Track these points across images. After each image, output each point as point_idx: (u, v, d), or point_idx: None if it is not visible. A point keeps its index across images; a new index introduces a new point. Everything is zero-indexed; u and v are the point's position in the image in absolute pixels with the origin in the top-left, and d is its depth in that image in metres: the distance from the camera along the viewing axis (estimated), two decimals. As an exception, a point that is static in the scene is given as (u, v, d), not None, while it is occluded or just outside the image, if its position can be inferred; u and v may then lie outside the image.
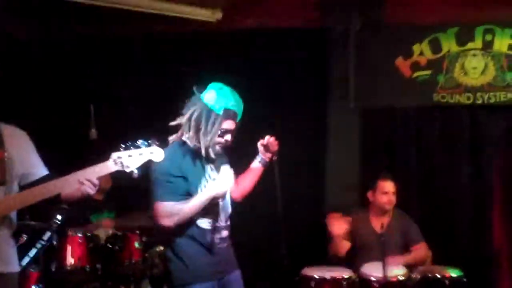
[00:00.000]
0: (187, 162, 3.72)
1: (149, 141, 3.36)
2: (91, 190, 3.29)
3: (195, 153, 3.74)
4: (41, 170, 3.52)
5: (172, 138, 3.82)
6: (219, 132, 3.71)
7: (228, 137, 3.76)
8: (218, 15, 6.11)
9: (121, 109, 6.27)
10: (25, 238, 5.06)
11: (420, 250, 5.40)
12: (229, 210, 3.91)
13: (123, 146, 3.33)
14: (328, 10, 6.28)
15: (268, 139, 4.00)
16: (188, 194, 3.68)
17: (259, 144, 4.05)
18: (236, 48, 6.32)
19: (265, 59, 6.22)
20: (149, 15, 5.88)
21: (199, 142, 3.71)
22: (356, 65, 6.29)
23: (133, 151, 3.31)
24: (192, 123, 3.71)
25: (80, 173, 3.28)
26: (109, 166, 3.29)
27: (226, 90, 3.75)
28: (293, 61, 6.28)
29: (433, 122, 6.28)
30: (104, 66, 6.35)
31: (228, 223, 3.89)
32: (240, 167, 4.11)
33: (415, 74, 6.23)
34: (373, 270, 4.98)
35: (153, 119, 6.13)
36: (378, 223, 5.40)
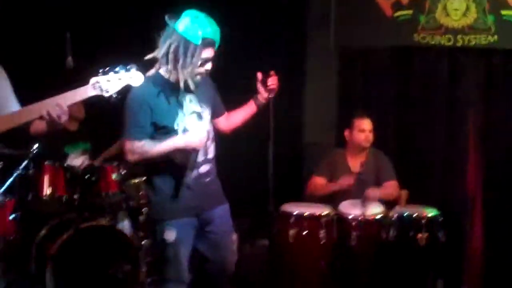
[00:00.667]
0: (160, 96, 3.64)
1: (128, 66, 3.32)
2: (57, 118, 3.21)
3: (172, 86, 3.65)
4: (14, 106, 3.45)
5: (149, 73, 3.69)
6: (199, 63, 3.61)
7: (208, 66, 3.67)
8: None
9: (97, 37, 6.09)
10: (0, 166, 4.97)
11: (390, 188, 5.43)
12: (209, 144, 3.81)
13: (101, 71, 3.28)
14: None
15: (271, 76, 3.92)
16: (163, 128, 3.64)
17: (258, 82, 3.95)
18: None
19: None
20: None
21: (177, 75, 3.61)
22: (336, 3, 6.22)
23: (112, 76, 3.26)
24: (170, 56, 3.59)
25: (59, 97, 3.22)
26: (88, 90, 3.24)
27: (202, 17, 3.61)
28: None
29: (412, 63, 6.24)
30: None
31: (210, 157, 3.82)
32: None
33: (397, 14, 6.15)
34: (351, 208, 5.03)
35: (131, 48, 6.07)
36: (355, 162, 5.44)
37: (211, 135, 3.86)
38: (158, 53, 3.64)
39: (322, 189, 5.42)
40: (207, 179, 3.83)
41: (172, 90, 3.65)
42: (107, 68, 3.28)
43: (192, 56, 3.56)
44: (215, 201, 3.91)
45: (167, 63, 3.62)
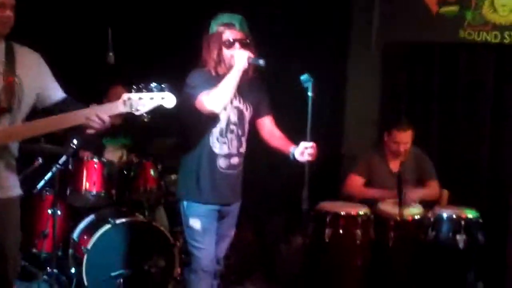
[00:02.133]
0: (209, 83, 3.81)
1: (163, 85, 3.27)
2: (98, 126, 3.23)
3: (216, 80, 3.81)
4: (58, 93, 3.48)
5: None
6: (223, 44, 3.85)
7: (236, 47, 3.85)
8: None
9: (139, 34, 6.14)
10: (40, 162, 5.06)
11: (432, 187, 5.34)
12: (243, 139, 4.00)
13: (134, 87, 3.25)
14: None
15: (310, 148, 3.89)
16: (208, 116, 3.82)
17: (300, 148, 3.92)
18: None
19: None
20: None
21: (215, 68, 3.89)
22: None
23: (144, 94, 3.23)
24: (205, 55, 3.93)
25: (89, 110, 3.25)
26: (119, 106, 3.24)
27: (221, 14, 3.96)
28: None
29: (458, 60, 6.10)
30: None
31: (242, 151, 4.00)
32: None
33: (442, 10, 6.03)
34: (389, 208, 4.95)
35: (171, 45, 6.12)
36: (395, 162, 5.34)
37: (247, 132, 4.04)
38: (202, 59, 3.96)
39: (360, 192, 5.34)
40: (235, 172, 4.00)
41: (212, 85, 3.79)
42: (140, 85, 3.26)
43: (213, 41, 3.89)
44: (235, 197, 4.08)
45: (206, 61, 3.93)
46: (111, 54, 4.92)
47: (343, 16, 6.28)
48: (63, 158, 4.90)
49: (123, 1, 6.12)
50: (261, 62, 3.80)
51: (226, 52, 3.87)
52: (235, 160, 3.97)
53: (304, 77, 3.86)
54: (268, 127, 4.13)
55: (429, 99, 6.16)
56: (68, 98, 3.48)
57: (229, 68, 3.81)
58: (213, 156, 3.90)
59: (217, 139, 3.90)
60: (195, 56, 3.99)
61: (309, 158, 3.88)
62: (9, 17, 3.25)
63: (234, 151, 3.95)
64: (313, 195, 4.83)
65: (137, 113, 3.24)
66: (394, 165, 5.32)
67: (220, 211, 3.97)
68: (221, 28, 3.89)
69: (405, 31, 6.17)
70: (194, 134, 3.93)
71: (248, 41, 3.91)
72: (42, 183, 4.98)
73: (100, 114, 3.21)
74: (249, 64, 3.79)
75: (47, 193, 5.04)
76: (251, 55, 3.81)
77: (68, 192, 5.02)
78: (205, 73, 3.90)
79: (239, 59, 3.78)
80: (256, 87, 4.07)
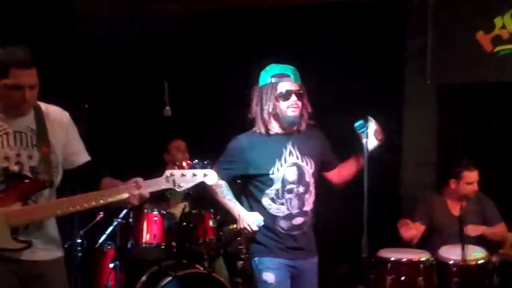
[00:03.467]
0: (256, 150, 3.78)
1: (205, 162, 3.35)
2: (137, 202, 3.27)
3: (269, 139, 3.79)
4: (83, 157, 3.47)
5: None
6: (278, 96, 3.75)
7: (292, 98, 3.75)
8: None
9: (193, 87, 6.26)
10: (102, 216, 5.16)
11: (499, 228, 5.25)
12: (307, 195, 3.84)
13: (177, 164, 3.36)
14: (405, -18, 6.12)
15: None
16: (260, 176, 3.77)
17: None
18: (312, 21, 6.20)
19: (341, 33, 6.09)
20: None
21: (265, 122, 3.79)
22: (434, 38, 6.12)
23: (187, 171, 3.28)
24: (254, 108, 3.83)
25: (131, 187, 3.24)
26: (161, 183, 3.27)
27: (271, 65, 3.86)
28: (370, 34, 6.13)
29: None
30: (180, 42, 6.33)
31: (306, 209, 3.83)
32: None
33: (497, 49, 5.98)
34: (451, 253, 4.87)
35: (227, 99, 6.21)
36: (456, 206, 5.24)
37: (311, 188, 3.87)
38: (252, 112, 3.87)
39: (409, 234, 5.24)
40: (300, 232, 3.83)
41: (269, 142, 3.78)
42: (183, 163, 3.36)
43: (266, 94, 3.78)
44: (308, 253, 3.90)
45: (256, 116, 3.83)
46: (167, 107, 5.04)
47: (397, 58, 6.26)
48: (124, 212, 4.99)
49: (179, 56, 6.24)
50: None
51: (282, 103, 3.75)
52: (298, 221, 3.80)
53: (358, 124, 3.85)
54: (336, 175, 4.05)
55: (488, 138, 6.08)
56: (90, 162, 3.48)
57: (284, 121, 3.75)
58: (271, 218, 3.77)
59: (273, 201, 3.77)
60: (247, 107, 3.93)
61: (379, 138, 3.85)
62: (27, 100, 3.20)
63: (295, 211, 3.79)
64: (373, 241, 4.81)
65: (179, 189, 3.28)
66: (455, 209, 5.23)
67: (292, 266, 3.80)
68: (274, 79, 3.79)
69: (460, 71, 6.12)
70: (251, 196, 3.85)
71: (301, 92, 3.81)
72: (103, 237, 5.06)
73: (142, 192, 3.23)
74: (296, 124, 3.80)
75: (109, 247, 5.11)
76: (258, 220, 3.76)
77: (129, 245, 5.07)
78: (249, 139, 3.83)
79: (245, 220, 3.77)
80: (316, 139, 3.95)
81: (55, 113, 3.41)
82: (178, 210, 5.41)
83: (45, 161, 3.28)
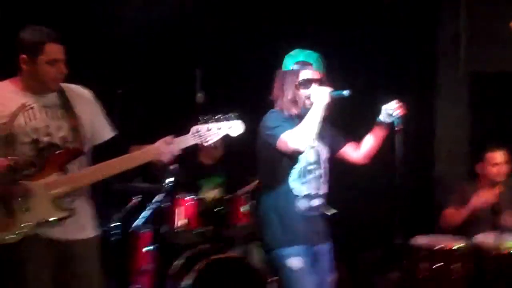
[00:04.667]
0: (285, 121, 3.72)
1: (229, 115, 3.41)
2: (166, 159, 3.37)
3: (291, 121, 3.74)
4: (109, 131, 3.59)
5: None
6: (298, 84, 3.72)
7: (314, 87, 3.71)
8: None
9: (227, 74, 6.28)
10: (138, 200, 5.20)
11: None
12: (323, 179, 3.86)
13: (201, 119, 3.40)
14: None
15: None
16: (287, 156, 3.71)
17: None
18: (346, 11, 6.19)
19: (373, 23, 6.08)
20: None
21: (289, 109, 3.76)
22: (467, 28, 6.09)
23: (212, 125, 3.37)
24: (276, 92, 3.81)
25: (160, 145, 3.36)
26: (189, 139, 3.37)
27: (295, 50, 3.83)
28: (402, 22, 6.11)
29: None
30: (213, 28, 6.35)
31: (321, 192, 3.85)
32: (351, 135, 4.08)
33: (531, 38, 5.95)
34: (486, 241, 4.83)
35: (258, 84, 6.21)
36: (489, 195, 5.21)
37: (326, 172, 3.89)
38: (273, 95, 3.85)
39: (454, 217, 5.20)
40: (317, 213, 3.85)
41: (293, 121, 3.73)
42: (206, 117, 3.41)
43: (287, 80, 3.76)
44: (323, 237, 3.90)
45: (278, 100, 3.81)
46: (200, 94, 5.07)
47: (430, 46, 6.24)
48: (159, 197, 5.02)
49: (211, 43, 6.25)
50: (345, 93, 3.65)
51: (301, 92, 3.75)
52: (315, 202, 3.81)
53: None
54: (354, 152, 4.02)
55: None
56: (117, 136, 3.60)
57: (304, 108, 3.71)
58: (291, 198, 3.74)
59: (297, 180, 3.75)
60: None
61: (400, 113, 3.80)
62: (62, 74, 3.35)
63: (313, 192, 3.80)
64: (408, 227, 4.80)
65: (206, 143, 3.38)
66: (489, 198, 5.17)
67: (311, 251, 3.77)
68: (296, 66, 3.77)
69: (493, 60, 6.11)
70: (274, 176, 3.78)
71: (324, 80, 3.78)
72: (138, 221, 5.10)
73: (172, 148, 3.34)
74: (331, 98, 3.66)
75: (144, 230, 5.15)
76: (332, 89, 3.67)
77: (163, 229, 5.11)
78: (281, 113, 3.77)
79: (321, 95, 3.64)
80: (326, 126, 3.89)
81: (78, 90, 3.53)
82: (210, 196, 5.44)
83: (74, 131, 3.38)
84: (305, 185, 3.77)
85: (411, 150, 5.28)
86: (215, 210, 5.23)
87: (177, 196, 5.17)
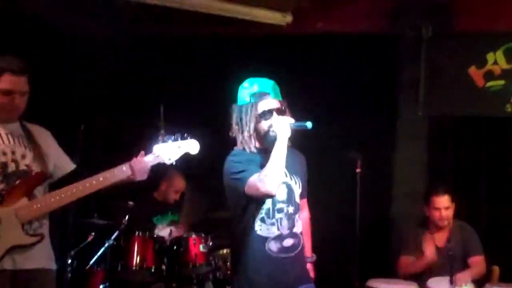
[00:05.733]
0: (249, 161, 3.56)
1: (185, 134, 3.57)
2: (138, 176, 3.49)
3: (254, 157, 3.59)
4: (70, 165, 3.66)
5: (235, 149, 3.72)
6: (259, 116, 3.57)
7: (274, 116, 3.55)
8: (288, 19, 6.09)
9: (185, 110, 6.32)
10: (93, 237, 5.18)
11: (478, 265, 5.21)
12: (296, 217, 3.63)
13: (160, 139, 3.57)
14: (399, 17, 6.21)
15: None
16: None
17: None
18: (306, 52, 6.29)
19: (335, 64, 6.17)
20: (218, 18, 5.90)
21: (247, 142, 3.62)
22: (426, 72, 6.20)
23: (172, 144, 3.54)
24: (235, 128, 3.65)
25: (131, 164, 3.49)
26: (153, 158, 3.53)
27: (249, 80, 3.68)
28: (363, 68, 6.21)
29: (505, 134, 6.11)
30: (172, 66, 6.41)
31: (296, 231, 3.62)
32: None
33: (488, 84, 6.08)
34: (439, 285, 4.87)
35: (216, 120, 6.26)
36: (441, 237, 5.22)
37: (299, 208, 3.70)
38: (232, 131, 3.69)
39: (410, 268, 5.22)
40: (292, 255, 3.60)
41: (257, 158, 3.58)
42: (165, 137, 3.57)
43: (246, 114, 3.60)
44: (302, 279, 3.67)
45: (238, 134, 3.65)
46: (162, 131, 5.07)
47: (389, 91, 6.34)
48: (115, 234, 5.01)
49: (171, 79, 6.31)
50: (308, 124, 3.51)
51: (263, 123, 3.57)
52: (288, 242, 3.58)
53: (351, 154, 3.85)
54: (303, 212, 3.81)
55: (477, 172, 6.15)
56: (78, 169, 3.66)
57: (266, 139, 3.55)
58: (261, 239, 3.53)
59: (264, 221, 3.54)
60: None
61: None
62: (16, 105, 3.36)
63: (285, 231, 3.57)
64: (364, 270, 4.84)
65: (168, 162, 3.53)
66: (440, 240, 5.22)
67: None
68: (253, 98, 3.59)
69: (451, 104, 6.21)
70: (242, 219, 3.58)
71: (283, 108, 3.62)
72: (94, 258, 5.07)
73: (145, 165, 3.49)
74: (293, 130, 3.50)
75: (99, 268, 5.11)
76: (292, 120, 3.53)
77: (119, 267, 5.05)
78: (242, 153, 3.61)
79: (282, 127, 3.48)
80: (299, 159, 3.78)
81: (37, 128, 3.59)
82: (166, 233, 5.42)
83: (39, 159, 3.42)
84: (275, 225, 3.56)
85: (370, 190, 5.37)
86: (173, 248, 5.22)
87: (135, 234, 5.15)
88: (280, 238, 3.57)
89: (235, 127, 3.65)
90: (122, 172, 3.43)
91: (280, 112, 3.59)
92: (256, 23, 6.01)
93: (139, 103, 6.28)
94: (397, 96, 6.38)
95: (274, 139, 3.51)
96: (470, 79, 6.12)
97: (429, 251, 5.05)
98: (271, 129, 3.54)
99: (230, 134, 3.68)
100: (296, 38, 6.31)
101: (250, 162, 3.55)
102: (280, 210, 3.59)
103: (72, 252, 5.02)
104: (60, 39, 5.94)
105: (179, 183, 5.89)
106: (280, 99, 3.65)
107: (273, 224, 3.56)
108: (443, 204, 5.21)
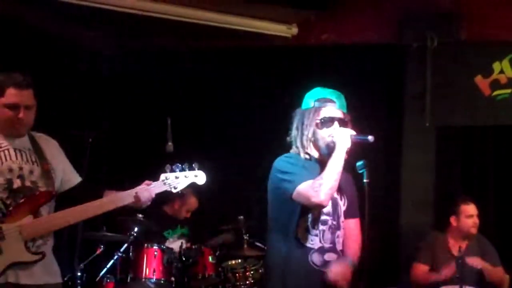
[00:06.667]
0: (300, 166, 3.45)
1: (193, 164, 3.58)
2: (143, 202, 3.47)
3: (308, 164, 3.48)
4: (77, 177, 3.65)
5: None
6: (320, 122, 3.46)
7: (335, 126, 3.44)
8: (294, 30, 6.13)
9: (197, 123, 6.35)
10: (102, 249, 5.19)
11: (497, 271, 5.24)
12: (338, 233, 3.51)
13: (169, 167, 3.56)
14: (405, 27, 6.20)
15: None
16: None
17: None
18: (312, 64, 6.31)
19: (340, 75, 6.17)
20: (225, 30, 5.94)
21: (304, 147, 3.50)
22: (433, 82, 6.19)
23: (179, 173, 3.55)
24: (294, 132, 3.55)
25: (137, 190, 3.47)
26: (160, 186, 3.52)
27: (317, 88, 3.61)
28: (369, 78, 6.23)
29: (512, 142, 6.13)
30: (181, 79, 6.45)
31: (338, 248, 3.50)
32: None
33: (495, 93, 6.09)
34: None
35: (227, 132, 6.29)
36: (456, 246, 5.23)
37: (342, 226, 3.55)
38: (290, 136, 3.59)
39: (425, 279, 5.22)
40: None
41: (309, 165, 3.48)
42: (173, 165, 3.56)
43: (308, 118, 3.49)
44: None
45: (296, 140, 3.55)
46: (170, 143, 5.12)
47: (396, 102, 6.35)
48: (124, 246, 5.03)
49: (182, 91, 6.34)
50: (370, 138, 3.39)
51: (322, 131, 3.45)
52: (330, 257, 3.43)
53: (359, 163, 3.82)
54: (351, 230, 3.59)
55: (485, 181, 6.15)
56: (84, 181, 3.66)
57: (323, 148, 3.44)
58: (304, 250, 3.39)
59: (307, 230, 3.41)
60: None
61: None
62: (22, 119, 3.35)
63: (327, 245, 3.44)
64: (372, 279, 4.81)
65: (174, 190, 3.55)
66: (456, 249, 5.18)
67: None
68: (317, 103, 3.50)
69: (458, 114, 6.22)
70: (284, 226, 3.43)
71: (346, 120, 3.52)
72: (103, 270, 5.08)
73: (151, 192, 3.47)
74: (353, 142, 3.38)
75: (108, 280, 5.12)
76: (354, 132, 3.42)
77: (128, 279, 5.08)
78: (297, 157, 3.49)
79: (342, 137, 3.36)
80: (350, 180, 3.64)
81: (45, 138, 3.58)
82: (176, 246, 5.44)
83: (46, 175, 3.41)
84: (318, 237, 3.43)
85: (378, 202, 5.35)
86: (182, 259, 5.23)
87: (144, 246, 5.16)
88: (322, 251, 3.44)
89: (294, 131, 3.55)
90: (128, 197, 3.45)
91: (342, 123, 3.49)
92: (262, 35, 6.05)
93: (146, 115, 6.30)
94: (404, 106, 6.38)
95: (331, 149, 3.40)
96: (477, 88, 6.13)
97: (449, 269, 5.03)
98: (330, 138, 3.43)
99: (288, 139, 3.60)
100: (303, 49, 6.33)
101: (304, 168, 3.43)
102: (324, 222, 3.47)
103: (82, 265, 5.04)
104: (64, 51, 5.98)
105: (193, 203, 5.92)
106: (345, 111, 3.57)
107: (316, 235, 3.43)
108: (475, 211, 5.31)
